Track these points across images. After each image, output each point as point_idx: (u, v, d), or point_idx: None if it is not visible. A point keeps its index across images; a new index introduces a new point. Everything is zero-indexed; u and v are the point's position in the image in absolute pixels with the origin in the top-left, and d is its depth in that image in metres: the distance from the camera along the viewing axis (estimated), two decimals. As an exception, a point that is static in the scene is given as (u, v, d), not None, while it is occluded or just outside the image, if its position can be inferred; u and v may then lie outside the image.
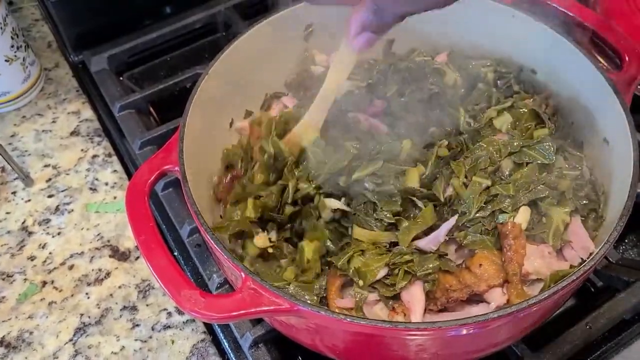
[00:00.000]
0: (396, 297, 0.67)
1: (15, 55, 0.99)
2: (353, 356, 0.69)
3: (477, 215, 0.68)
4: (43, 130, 1.00)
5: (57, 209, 0.90)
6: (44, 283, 0.82)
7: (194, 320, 0.78)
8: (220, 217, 0.77)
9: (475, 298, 0.67)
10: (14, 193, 0.92)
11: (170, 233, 0.86)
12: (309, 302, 0.65)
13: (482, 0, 0.82)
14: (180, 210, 0.85)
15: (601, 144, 0.73)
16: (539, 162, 0.71)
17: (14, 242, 0.86)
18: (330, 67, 0.72)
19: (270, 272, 0.70)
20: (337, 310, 0.66)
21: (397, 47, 0.90)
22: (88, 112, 1.03)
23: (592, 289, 0.79)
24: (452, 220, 0.68)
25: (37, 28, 1.18)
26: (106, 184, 0.93)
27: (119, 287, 0.81)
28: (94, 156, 0.96)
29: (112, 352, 0.75)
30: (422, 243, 0.68)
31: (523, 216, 0.67)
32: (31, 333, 0.77)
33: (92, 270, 0.83)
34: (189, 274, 0.82)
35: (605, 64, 0.92)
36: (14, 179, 0.93)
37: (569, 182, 0.70)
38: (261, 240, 0.72)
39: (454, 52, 0.87)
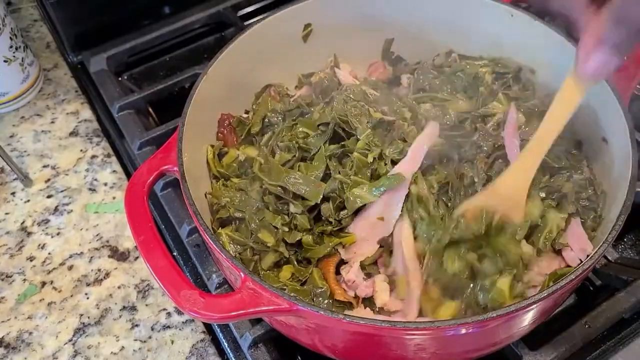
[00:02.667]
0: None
1: (14, 56, 0.99)
2: (352, 356, 0.69)
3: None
4: (42, 131, 1.00)
5: (56, 209, 0.90)
6: (43, 283, 0.82)
7: (193, 320, 0.78)
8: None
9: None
10: (13, 194, 0.92)
11: (169, 233, 0.86)
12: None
13: (480, -1, 0.82)
14: (180, 210, 0.86)
15: (600, 143, 0.73)
16: (549, 165, 0.71)
17: (13, 242, 0.86)
18: (551, 106, 0.62)
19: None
20: (343, 297, 0.67)
21: (394, 47, 0.91)
22: (87, 113, 1.03)
23: (591, 288, 0.79)
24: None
25: (36, 28, 1.18)
26: (105, 184, 0.93)
27: (119, 287, 0.81)
28: (93, 156, 0.96)
29: (111, 352, 0.75)
30: None
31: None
32: (30, 333, 0.77)
33: (92, 270, 0.83)
34: (188, 274, 0.82)
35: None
36: (13, 180, 0.93)
37: (572, 184, 0.70)
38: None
39: (453, 52, 0.87)
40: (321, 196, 0.69)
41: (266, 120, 0.80)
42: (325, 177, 0.71)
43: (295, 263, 0.70)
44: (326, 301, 0.67)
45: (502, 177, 0.66)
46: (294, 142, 0.74)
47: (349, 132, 0.74)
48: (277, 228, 0.70)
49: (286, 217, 0.70)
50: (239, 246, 0.70)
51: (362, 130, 0.73)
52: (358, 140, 0.72)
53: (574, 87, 0.58)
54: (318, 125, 0.75)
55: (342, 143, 0.73)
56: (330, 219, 0.70)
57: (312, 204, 0.69)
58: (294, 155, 0.73)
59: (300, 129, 0.75)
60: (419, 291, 0.65)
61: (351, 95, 0.77)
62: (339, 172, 0.71)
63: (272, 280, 0.68)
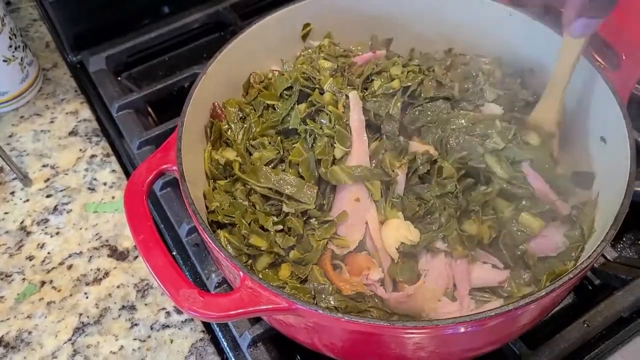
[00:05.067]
0: None
1: (14, 56, 0.99)
2: (351, 354, 0.69)
3: None
4: (41, 131, 1.00)
5: (55, 209, 0.90)
6: (43, 283, 0.82)
7: (192, 320, 0.78)
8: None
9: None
10: (12, 193, 0.92)
11: (168, 232, 0.86)
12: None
13: (479, -1, 0.83)
14: (179, 209, 0.86)
15: (598, 142, 0.73)
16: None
17: (13, 242, 0.86)
18: (558, 56, 0.72)
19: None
20: (347, 286, 0.67)
21: (394, 47, 0.91)
22: (86, 112, 1.03)
23: (590, 287, 0.80)
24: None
25: (35, 28, 1.18)
26: (104, 183, 0.93)
27: (118, 286, 0.81)
28: (93, 156, 0.96)
29: (110, 351, 0.75)
30: None
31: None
32: (30, 333, 0.77)
33: (91, 270, 0.83)
34: (187, 273, 0.83)
35: (603, 62, 0.92)
36: (13, 179, 0.93)
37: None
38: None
39: (452, 49, 0.87)
40: (315, 200, 0.70)
41: (240, 114, 0.80)
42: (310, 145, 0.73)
43: (292, 262, 0.70)
44: (330, 297, 0.66)
45: (533, 114, 0.76)
46: (267, 137, 0.76)
47: (314, 87, 0.77)
48: (268, 230, 0.70)
49: (275, 218, 0.70)
50: (235, 250, 0.70)
51: (324, 80, 0.76)
52: (323, 92, 0.75)
53: (571, 41, 0.69)
54: (282, 93, 0.78)
55: (310, 99, 0.75)
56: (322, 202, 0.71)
57: (308, 207, 0.70)
58: (278, 152, 0.74)
59: (266, 102, 0.78)
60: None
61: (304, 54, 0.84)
62: (321, 128, 0.73)
63: (271, 279, 0.68)
